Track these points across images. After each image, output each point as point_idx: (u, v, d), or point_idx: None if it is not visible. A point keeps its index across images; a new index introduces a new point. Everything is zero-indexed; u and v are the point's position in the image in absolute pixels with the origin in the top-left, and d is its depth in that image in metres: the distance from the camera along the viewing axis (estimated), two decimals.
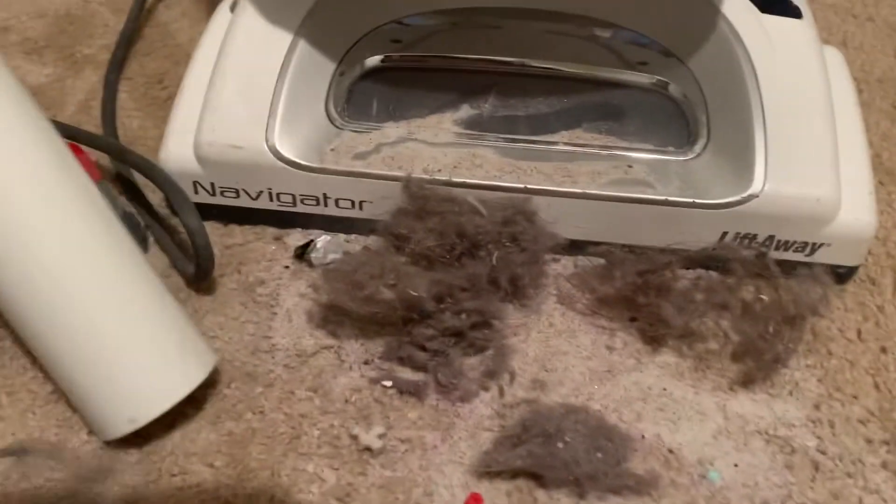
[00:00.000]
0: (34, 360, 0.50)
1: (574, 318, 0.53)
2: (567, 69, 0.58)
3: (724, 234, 0.53)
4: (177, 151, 0.54)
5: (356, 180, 0.53)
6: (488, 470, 0.46)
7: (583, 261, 0.56)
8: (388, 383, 0.50)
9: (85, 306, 0.44)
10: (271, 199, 0.55)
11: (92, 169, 0.47)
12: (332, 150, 0.54)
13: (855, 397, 0.50)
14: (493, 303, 0.51)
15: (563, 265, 0.56)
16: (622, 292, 0.52)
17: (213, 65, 0.55)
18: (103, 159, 0.59)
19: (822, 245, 0.54)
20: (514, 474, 0.46)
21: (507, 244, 0.51)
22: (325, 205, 0.55)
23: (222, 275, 0.55)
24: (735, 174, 0.52)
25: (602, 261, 0.55)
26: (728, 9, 0.55)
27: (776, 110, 0.53)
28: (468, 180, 0.53)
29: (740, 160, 0.52)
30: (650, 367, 0.51)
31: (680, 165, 0.54)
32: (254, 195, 0.55)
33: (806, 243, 0.54)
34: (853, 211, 0.53)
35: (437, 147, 0.54)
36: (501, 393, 0.50)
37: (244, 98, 0.54)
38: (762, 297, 0.51)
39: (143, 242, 0.48)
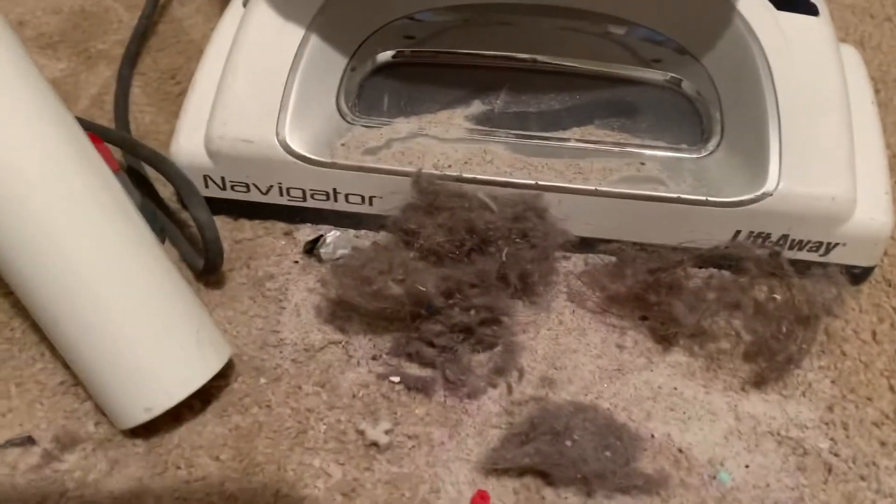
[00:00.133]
0: (43, 351, 0.50)
1: (584, 315, 0.53)
2: (579, 65, 0.58)
3: (738, 232, 0.53)
4: (188, 145, 0.54)
5: (366, 175, 0.53)
6: (495, 467, 0.46)
7: (593, 258, 0.56)
8: (396, 379, 0.49)
9: (104, 295, 0.44)
10: (281, 194, 0.55)
11: (110, 160, 0.47)
12: (343, 144, 0.54)
13: (869, 399, 0.50)
14: (503, 299, 0.50)
15: (574, 263, 0.55)
16: (633, 290, 0.52)
17: (225, 59, 0.55)
18: (115, 153, 0.59)
19: (836, 245, 0.53)
20: (522, 472, 0.46)
21: (518, 240, 0.50)
22: (335, 200, 0.55)
23: (231, 269, 0.55)
24: (749, 172, 0.52)
25: (613, 258, 0.55)
26: (743, 5, 0.55)
27: (791, 108, 0.52)
28: (479, 176, 0.53)
29: (754, 158, 0.52)
30: (661, 366, 0.51)
31: (693, 163, 0.54)
32: (264, 190, 0.55)
33: (820, 243, 0.53)
34: (869, 211, 0.52)
35: (448, 143, 0.54)
36: (510, 390, 0.49)
37: (255, 92, 0.54)
38: (775, 296, 0.51)
39: (160, 234, 0.48)
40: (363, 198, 0.55)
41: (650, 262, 0.52)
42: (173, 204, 0.58)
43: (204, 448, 0.46)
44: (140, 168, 0.58)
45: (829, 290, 0.50)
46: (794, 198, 0.51)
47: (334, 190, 0.55)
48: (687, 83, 0.56)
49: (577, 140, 0.55)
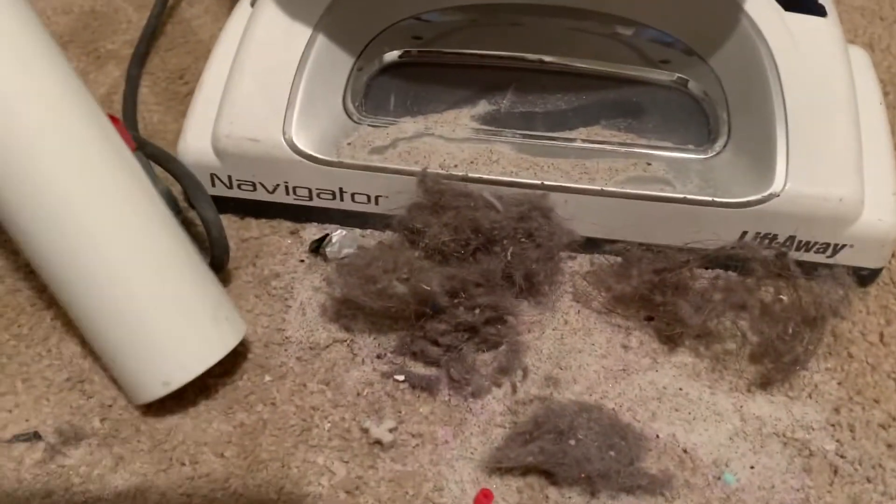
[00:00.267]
0: (49, 348, 0.50)
1: (589, 315, 0.53)
2: (586, 66, 0.57)
3: (744, 233, 0.53)
4: (195, 144, 0.55)
5: (372, 174, 0.53)
6: (499, 466, 0.45)
7: (599, 258, 0.55)
8: (401, 377, 0.49)
9: (124, 268, 0.45)
10: (287, 193, 0.55)
11: (128, 139, 0.48)
12: (349, 144, 0.54)
13: (876, 401, 0.49)
14: (508, 299, 0.50)
15: (580, 263, 0.55)
16: (639, 291, 0.52)
17: (232, 59, 0.56)
18: None
19: (844, 246, 0.53)
20: (526, 471, 0.46)
21: (523, 240, 0.50)
22: (341, 199, 0.55)
23: (237, 267, 0.55)
24: (756, 173, 0.52)
25: (619, 259, 0.55)
26: (751, 6, 0.55)
27: (798, 108, 0.52)
28: (485, 176, 0.53)
29: (761, 158, 0.52)
30: (666, 366, 0.51)
31: (700, 163, 0.53)
32: (270, 188, 0.55)
33: (828, 244, 0.53)
34: (877, 212, 0.52)
35: (454, 142, 0.54)
36: (514, 389, 0.49)
37: (262, 92, 0.54)
38: (781, 297, 0.51)
39: (177, 214, 0.49)
40: (369, 197, 0.55)
41: (656, 263, 0.52)
42: (180, 202, 0.58)
43: (209, 445, 0.47)
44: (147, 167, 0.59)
45: (835, 291, 0.50)
46: (801, 199, 0.51)
47: (340, 189, 0.55)
48: (694, 84, 0.56)
49: (584, 140, 0.55)
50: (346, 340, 0.51)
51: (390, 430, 0.47)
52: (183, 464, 0.46)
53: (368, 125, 0.55)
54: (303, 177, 0.54)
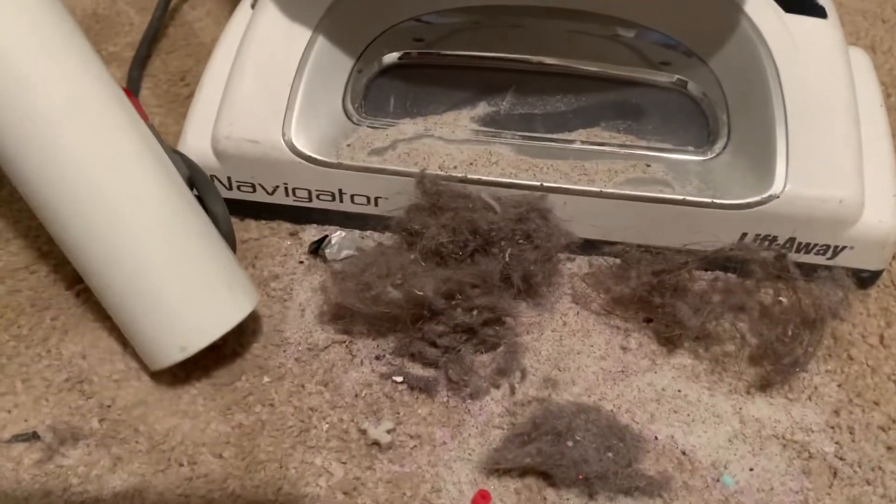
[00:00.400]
0: (49, 349, 0.50)
1: (588, 317, 0.53)
2: (586, 67, 0.57)
3: (744, 235, 0.53)
4: (195, 145, 0.55)
5: (371, 176, 0.53)
6: (497, 467, 0.45)
7: (598, 260, 0.55)
8: (399, 379, 0.49)
9: (142, 234, 0.46)
10: (287, 194, 0.56)
11: (142, 112, 0.49)
12: (349, 145, 0.54)
13: (876, 403, 0.49)
14: (506, 300, 0.50)
15: (578, 264, 0.55)
16: (637, 292, 0.52)
17: (232, 60, 0.56)
18: None
19: (844, 248, 0.53)
20: (524, 472, 0.46)
21: (521, 241, 0.50)
22: (341, 200, 0.55)
23: None
24: (755, 174, 0.52)
25: (618, 260, 0.55)
26: (751, 8, 0.54)
27: (798, 110, 0.52)
28: (484, 177, 0.53)
29: (761, 160, 0.52)
30: (665, 368, 0.51)
31: (699, 165, 0.53)
32: (270, 190, 0.56)
33: (828, 246, 0.53)
34: (877, 214, 0.52)
35: (454, 144, 0.54)
36: (512, 391, 0.49)
37: (262, 93, 0.54)
38: (781, 299, 0.51)
39: (190, 188, 0.50)
40: (368, 198, 0.55)
41: (655, 265, 0.52)
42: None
43: (207, 445, 0.47)
44: None
45: (835, 293, 0.50)
46: (800, 200, 0.51)
47: (340, 190, 0.55)
48: (693, 85, 0.56)
49: (583, 142, 0.54)
50: (344, 342, 0.51)
51: (388, 432, 0.47)
52: (181, 464, 0.46)
53: (368, 127, 0.55)
54: (302, 178, 0.54)
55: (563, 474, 0.44)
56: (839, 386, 0.50)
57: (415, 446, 0.47)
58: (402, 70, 0.58)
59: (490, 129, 0.55)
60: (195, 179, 0.52)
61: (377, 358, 0.51)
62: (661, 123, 0.55)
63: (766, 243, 0.53)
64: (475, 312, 0.49)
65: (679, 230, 0.53)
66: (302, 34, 0.55)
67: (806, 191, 0.51)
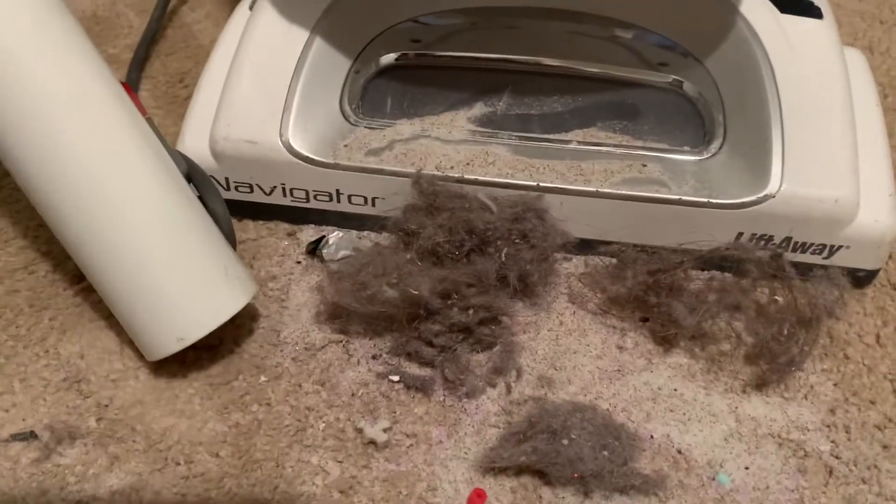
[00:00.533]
0: (46, 348, 0.51)
1: (585, 317, 0.53)
2: (582, 68, 0.58)
3: (740, 234, 0.53)
4: (193, 146, 0.55)
5: (369, 176, 0.54)
6: (493, 466, 0.45)
7: (594, 260, 0.56)
8: (395, 378, 0.49)
9: (139, 225, 0.46)
10: (284, 195, 0.56)
11: (140, 106, 0.49)
12: (346, 146, 0.54)
13: (872, 402, 0.49)
14: (502, 299, 0.50)
15: (575, 264, 0.55)
16: (634, 292, 0.52)
17: (230, 62, 0.56)
18: None
19: (840, 247, 0.53)
20: (519, 471, 0.46)
21: (517, 241, 0.51)
22: (338, 201, 0.56)
23: None
24: (751, 174, 0.52)
25: (614, 260, 0.55)
26: (746, 8, 0.55)
27: (794, 110, 0.52)
28: (481, 178, 0.53)
29: (757, 160, 0.52)
30: (661, 367, 0.51)
31: (695, 165, 0.54)
32: (267, 190, 0.56)
33: (824, 245, 0.53)
34: (873, 213, 0.52)
35: (451, 144, 0.54)
36: (508, 390, 0.49)
37: (260, 94, 0.54)
38: (777, 298, 0.51)
39: (188, 182, 0.50)
40: (366, 199, 0.55)
41: (651, 264, 0.52)
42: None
43: (204, 444, 0.47)
44: None
45: (830, 292, 0.50)
46: (796, 200, 0.51)
47: (337, 191, 0.55)
48: (689, 85, 0.56)
49: (579, 142, 0.55)
50: (341, 341, 0.51)
51: (384, 430, 0.47)
52: (178, 463, 0.46)
53: (365, 127, 0.55)
54: (300, 179, 0.55)
55: (558, 473, 0.44)
56: (835, 385, 0.50)
57: (411, 445, 0.47)
58: (399, 71, 0.58)
59: (487, 130, 0.55)
60: (195, 179, 0.53)
61: (374, 357, 0.51)
62: (657, 124, 0.56)
63: (762, 243, 0.53)
64: (471, 312, 0.49)
65: (675, 230, 0.53)
66: (299, 35, 0.55)
67: (802, 190, 0.51)
